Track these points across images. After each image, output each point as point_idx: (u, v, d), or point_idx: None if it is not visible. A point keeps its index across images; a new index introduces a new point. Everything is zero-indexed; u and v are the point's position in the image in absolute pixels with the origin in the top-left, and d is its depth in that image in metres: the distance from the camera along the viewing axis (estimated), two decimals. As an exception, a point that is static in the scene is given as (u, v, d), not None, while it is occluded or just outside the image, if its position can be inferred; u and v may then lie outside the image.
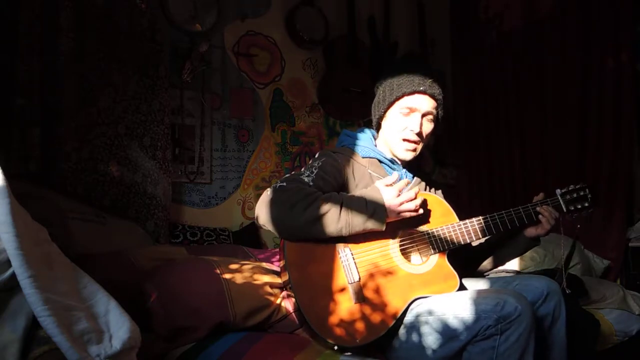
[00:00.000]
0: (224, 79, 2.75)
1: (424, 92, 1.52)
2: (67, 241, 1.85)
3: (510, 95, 3.48)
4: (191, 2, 2.57)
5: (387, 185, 1.43)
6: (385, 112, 1.59)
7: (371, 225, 1.39)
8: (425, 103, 1.53)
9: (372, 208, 1.38)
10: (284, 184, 1.42)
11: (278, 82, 2.99)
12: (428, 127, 1.56)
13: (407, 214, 1.42)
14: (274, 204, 1.39)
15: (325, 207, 1.36)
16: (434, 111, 1.55)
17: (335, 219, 1.36)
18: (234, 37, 2.81)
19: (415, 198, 1.42)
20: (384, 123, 1.61)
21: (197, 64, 2.57)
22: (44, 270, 1.10)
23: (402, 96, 1.53)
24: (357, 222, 1.37)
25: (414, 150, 1.56)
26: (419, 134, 1.54)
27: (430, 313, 1.36)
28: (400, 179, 1.49)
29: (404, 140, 1.55)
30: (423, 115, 1.54)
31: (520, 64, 3.40)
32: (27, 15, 2.00)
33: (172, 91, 2.50)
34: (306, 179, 1.45)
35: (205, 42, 2.58)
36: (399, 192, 1.41)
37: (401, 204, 1.40)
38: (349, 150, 1.61)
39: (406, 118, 1.54)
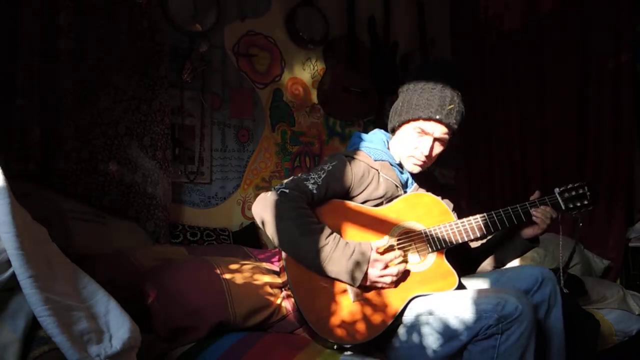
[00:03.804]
0: (224, 79, 2.75)
1: (439, 122, 1.51)
2: (67, 241, 1.86)
3: (510, 95, 3.48)
4: (191, 2, 2.57)
5: (378, 250, 1.41)
6: (399, 126, 1.59)
7: (343, 279, 1.38)
8: (438, 130, 1.52)
9: (352, 267, 1.36)
10: (287, 190, 1.41)
11: (278, 82, 2.99)
12: (438, 149, 1.57)
13: (380, 285, 1.41)
14: (269, 209, 1.39)
15: (309, 240, 1.36)
16: (447, 136, 1.54)
17: (311, 255, 1.36)
18: (234, 37, 2.81)
19: (396, 275, 1.40)
20: (397, 133, 1.61)
21: (197, 64, 2.57)
22: (44, 270, 1.10)
23: (418, 119, 1.52)
24: (332, 269, 1.37)
25: (421, 166, 1.57)
26: (428, 156, 1.55)
27: (430, 313, 1.36)
28: (390, 244, 1.45)
29: (412, 156, 1.56)
30: (435, 139, 1.54)
31: (520, 64, 3.40)
32: (27, 15, 2.00)
33: (172, 91, 2.50)
34: (310, 186, 1.44)
35: (205, 42, 2.58)
36: (385, 265, 1.39)
37: (381, 276, 1.39)
38: (362, 153, 1.60)
39: (418, 138, 1.54)
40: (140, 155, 2.29)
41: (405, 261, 1.45)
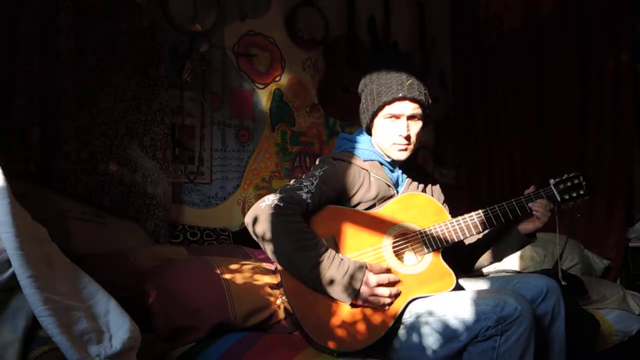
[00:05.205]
0: (224, 79, 2.75)
1: (403, 99, 1.51)
2: (67, 241, 1.86)
3: (510, 95, 3.48)
4: (191, 2, 2.56)
5: (373, 269, 1.39)
6: (371, 121, 1.60)
7: (336, 296, 1.37)
8: (407, 107, 1.52)
9: (346, 284, 1.35)
10: (281, 204, 1.39)
11: (278, 82, 2.99)
12: (416, 127, 1.56)
13: (374, 305, 1.39)
14: (264, 223, 1.38)
15: (303, 256, 1.35)
16: (419, 111, 1.54)
17: (306, 272, 1.35)
18: (234, 37, 2.81)
19: (388, 297, 1.38)
20: (373, 129, 1.62)
21: (197, 64, 2.57)
22: (44, 270, 1.11)
23: (384, 106, 1.54)
24: (326, 284, 1.36)
25: (406, 149, 1.57)
26: (408, 137, 1.54)
27: (430, 314, 1.36)
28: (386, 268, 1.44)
29: (394, 144, 1.56)
30: (409, 118, 1.54)
31: (520, 64, 3.40)
32: (27, 15, 2.00)
33: (172, 91, 2.49)
34: (304, 196, 1.43)
35: (205, 42, 2.58)
36: (378, 283, 1.37)
37: (373, 295, 1.37)
38: (350, 155, 1.60)
39: (393, 124, 1.55)
40: (140, 155, 2.29)
41: (399, 273, 1.44)
